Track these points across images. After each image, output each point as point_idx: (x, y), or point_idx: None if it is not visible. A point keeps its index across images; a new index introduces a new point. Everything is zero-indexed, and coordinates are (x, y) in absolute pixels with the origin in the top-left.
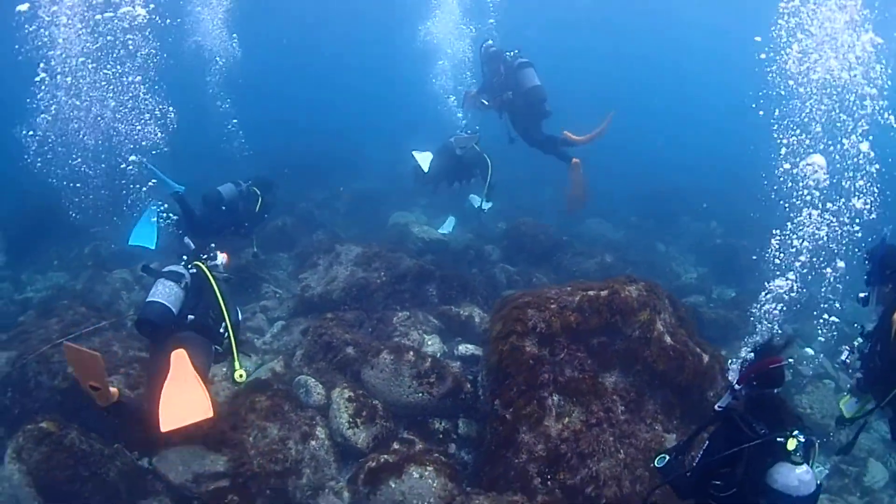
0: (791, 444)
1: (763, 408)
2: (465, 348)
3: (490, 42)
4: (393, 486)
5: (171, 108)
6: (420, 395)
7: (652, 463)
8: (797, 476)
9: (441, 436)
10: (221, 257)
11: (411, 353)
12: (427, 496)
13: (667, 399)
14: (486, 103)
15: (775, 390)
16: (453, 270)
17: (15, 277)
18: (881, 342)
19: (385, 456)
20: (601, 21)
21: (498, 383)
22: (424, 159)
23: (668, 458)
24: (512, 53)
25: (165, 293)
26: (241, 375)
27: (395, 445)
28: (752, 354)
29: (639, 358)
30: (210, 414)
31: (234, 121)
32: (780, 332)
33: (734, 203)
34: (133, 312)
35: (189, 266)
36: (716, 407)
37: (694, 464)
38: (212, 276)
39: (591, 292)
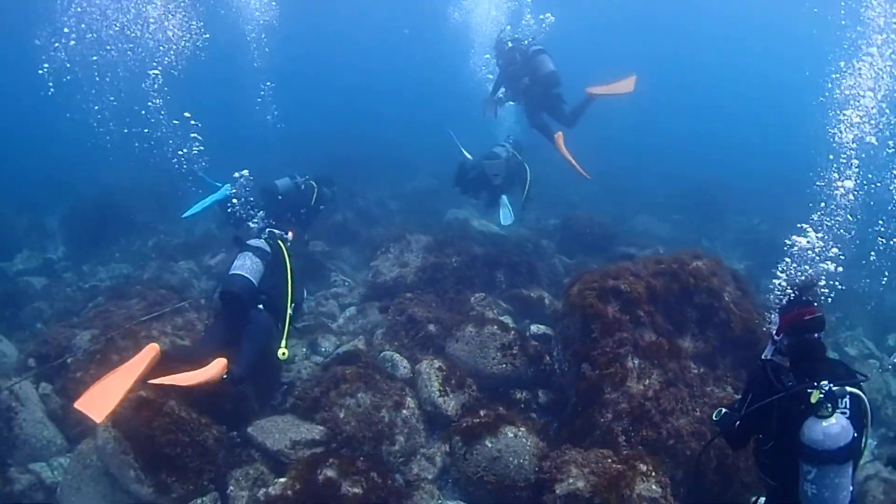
0: (814, 397)
1: (806, 356)
2: (537, 328)
3: (506, 30)
4: (489, 444)
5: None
6: (504, 365)
7: (711, 417)
8: (822, 430)
9: (523, 405)
10: (289, 235)
11: (495, 325)
12: (522, 453)
13: (736, 362)
14: (502, 96)
15: (816, 335)
16: (519, 257)
17: (76, 269)
18: None
19: (478, 419)
20: (643, 15)
21: (582, 344)
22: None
23: (724, 411)
24: (527, 42)
25: (250, 268)
26: (283, 353)
27: (482, 412)
28: (786, 304)
29: (710, 323)
30: (99, 420)
31: (268, 83)
32: (804, 277)
33: (777, 198)
34: (215, 288)
35: (270, 242)
36: (760, 358)
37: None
38: (288, 255)
39: (662, 265)
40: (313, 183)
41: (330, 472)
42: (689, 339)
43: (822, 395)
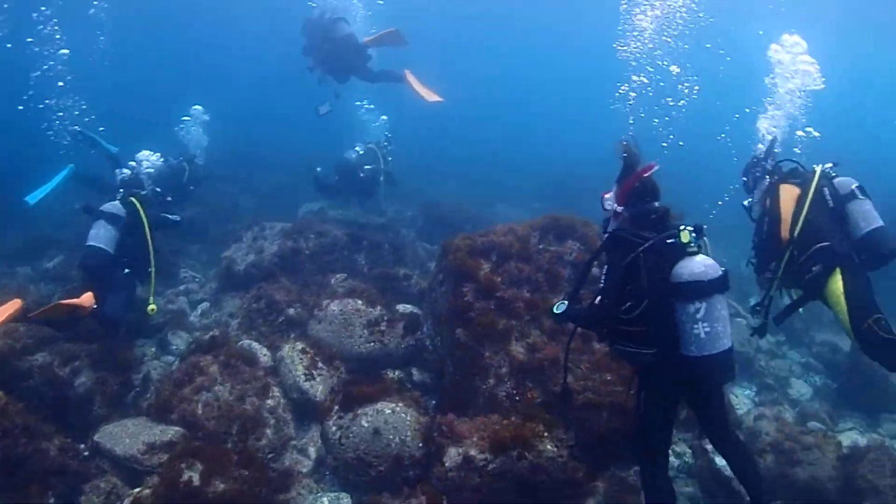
0: (685, 237)
1: (649, 220)
2: (404, 307)
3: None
4: (366, 424)
5: None
6: (372, 344)
7: (550, 312)
8: (701, 262)
9: (397, 385)
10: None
11: (360, 300)
12: (403, 429)
13: None
14: (311, 67)
15: (655, 203)
16: (382, 237)
17: None
18: (758, 230)
19: (351, 394)
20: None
21: (456, 308)
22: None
23: (564, 302)
24: (329, 17)
25: (104, 237)
26: (152, 309)
27: (355, 390)
28: (619, 175)
29: (584, 280)
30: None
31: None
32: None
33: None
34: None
35: (124, 203)
36: (604, 233)
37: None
38: (144, 212)
39: (532, 222)
40: (185, 164)
41: (196, 471)
42: (563, 296)
43: (692, 234)
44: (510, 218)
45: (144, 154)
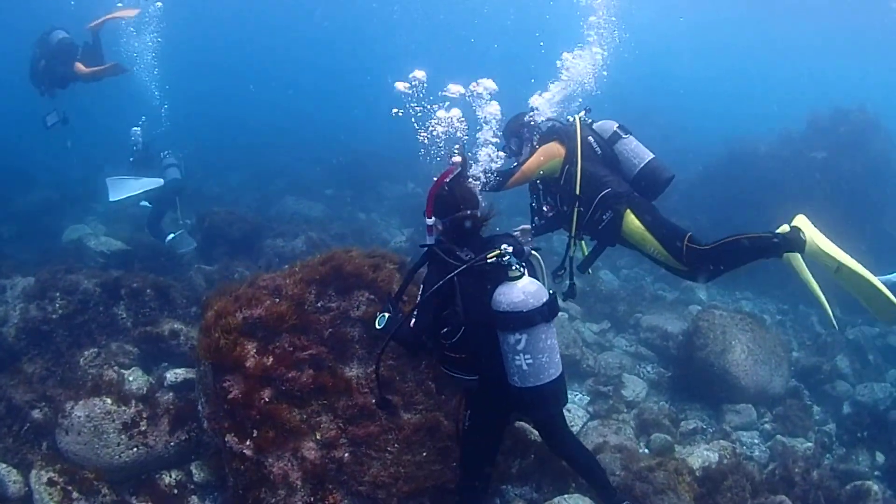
0: (491, 258)
1: (467, 234)
2: (175, 374)
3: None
4: None
5: None
6: (134, 450)
7: (373, 327)
8: (521, 290)
9: (176, 491)
10: None
11: (108, 400)
12: None
13: (422, 376)
14: (41, 90)
15: (468, 212)
16: (142, 281)
17: None
18: (535, 193)
19: None
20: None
21: (221, 409)
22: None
23: (387, 316)
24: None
25: None
26: None
27: None
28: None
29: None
30: None
31: None
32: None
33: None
34: None
35: None
36: (419, 245)
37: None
38: None
39: (307, 271)
40: None
41: None
42: (356, 364)
43: (509, 257)
44: (300, 212)
45: None
